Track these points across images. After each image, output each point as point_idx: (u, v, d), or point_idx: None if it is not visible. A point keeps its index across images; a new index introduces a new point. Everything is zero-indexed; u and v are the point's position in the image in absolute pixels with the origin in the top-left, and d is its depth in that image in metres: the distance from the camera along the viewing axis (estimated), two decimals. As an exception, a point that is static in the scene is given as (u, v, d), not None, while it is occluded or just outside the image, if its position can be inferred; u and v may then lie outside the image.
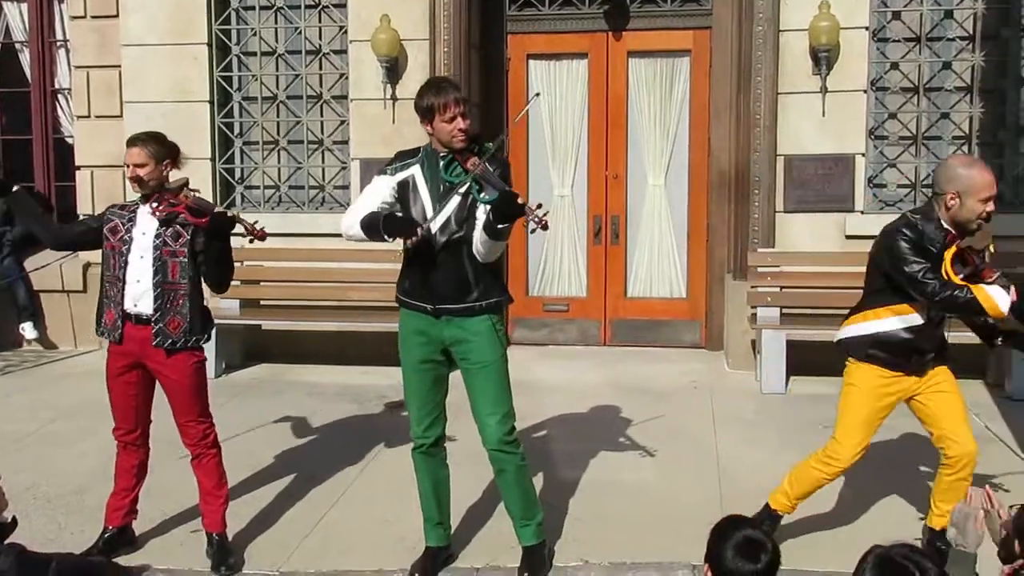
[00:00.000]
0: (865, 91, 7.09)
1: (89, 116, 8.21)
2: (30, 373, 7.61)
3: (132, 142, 4.05)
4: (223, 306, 7.20)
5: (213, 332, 4.30)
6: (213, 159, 7.90)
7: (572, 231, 8.12)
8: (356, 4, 7.57)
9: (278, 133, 7.98)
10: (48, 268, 7.89)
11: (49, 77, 8.62)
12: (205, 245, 4.02)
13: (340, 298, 7.54)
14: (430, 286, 3.79)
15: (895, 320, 3.84)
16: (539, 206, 3.40)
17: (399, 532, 4.40)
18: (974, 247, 3.72)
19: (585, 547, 4.23)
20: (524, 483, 3.96)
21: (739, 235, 7.32)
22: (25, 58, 8.67)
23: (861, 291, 4.05)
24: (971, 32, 7.06)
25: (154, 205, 4.02)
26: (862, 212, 7.14)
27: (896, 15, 7.16)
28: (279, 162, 8.02)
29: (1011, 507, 2.69)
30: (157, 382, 4.15)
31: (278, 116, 7.98)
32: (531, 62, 8.02)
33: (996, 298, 3.62)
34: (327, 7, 7.79)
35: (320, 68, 7.88)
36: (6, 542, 3.20)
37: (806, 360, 6.68)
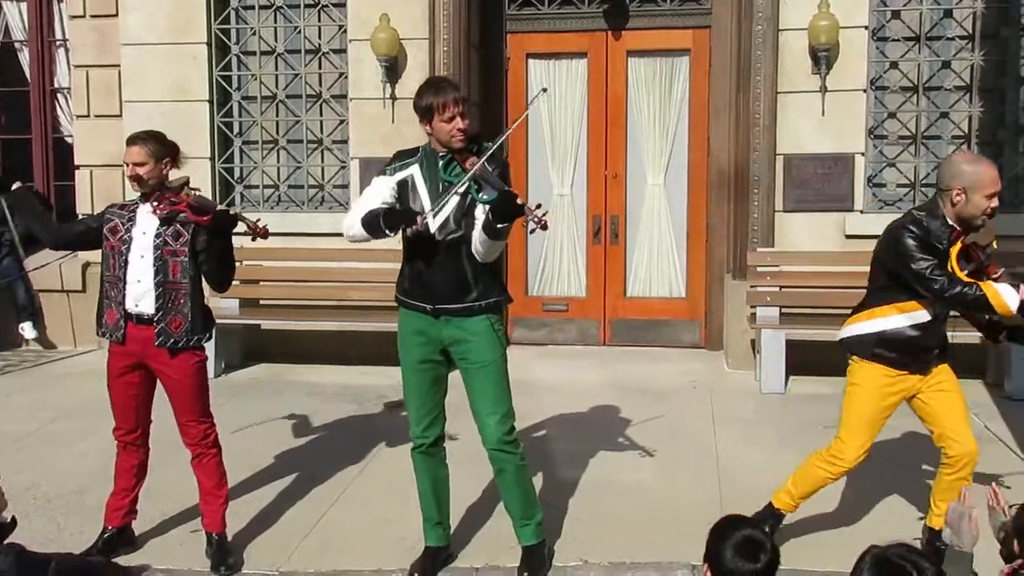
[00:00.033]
0: (864, 90, 7.09)
1: (88, 115, 8.21)
2: (30, 373, 7.61)
3: (132, 141, 4.05)
4: (222, 306, 7.18)
5: (214, 331, 4.30)
6: (212, 158, 7.90)
7: (571, 231, 8.11)
8: (355, 3, 7.57)
9: (277, 132, 7.97)
10: (47, 268, 7.89)
11: (48, 76, 8.61)
12: (207, 244, 4.01)
13: (340, 298, 7.53)
14: (429, 286, 3.79)
15: (901, 318, 3.82)
16: (538, 206, 3.39)
17: (399, 532, 4.40)
18: (979, 243, 3.72)
19: (584, 547, 4.23)
20: (524, 483, 3.96)
21: (738, 235, 7.32)
22: (24, 57, 8.66)
23: (861, 290, 4.05)
24: (970, 31, 7.06)
25: (155, 204, 4.02)
26: (861, 211, 7.14)
27: (895, 14, 7.16)
28: (278, 161, 8.01)
29: (1011, 507, 2.69)
30: (158, 382, 4.15)
31: (277, 115, 7.97)
32: (530, 61, 8.01)
33: (1005, 295, 3.61)
34: (326, 6, 7.79)
35: (319, 67, 7.87)
36: (6, 542, 3.21)
37: (806, 360, 6.68)
